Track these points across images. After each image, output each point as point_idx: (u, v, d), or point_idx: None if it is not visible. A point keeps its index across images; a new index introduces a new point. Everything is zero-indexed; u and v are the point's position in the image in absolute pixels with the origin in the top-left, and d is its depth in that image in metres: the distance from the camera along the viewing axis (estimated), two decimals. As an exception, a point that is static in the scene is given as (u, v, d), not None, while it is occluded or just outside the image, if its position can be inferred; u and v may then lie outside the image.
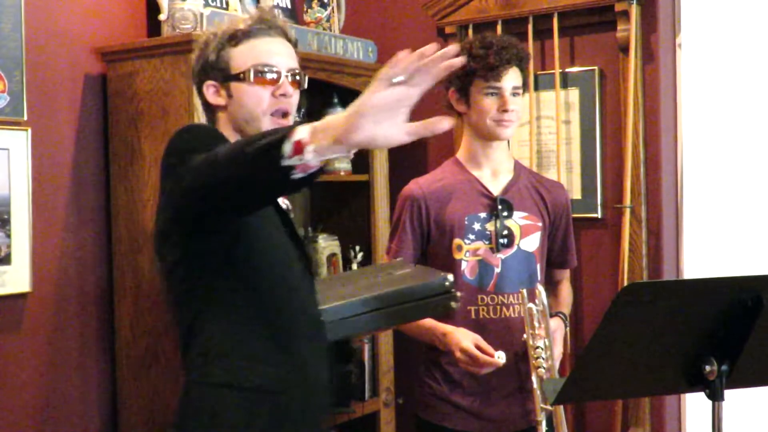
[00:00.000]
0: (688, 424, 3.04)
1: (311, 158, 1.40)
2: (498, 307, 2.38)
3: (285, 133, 1.40)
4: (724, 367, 1.67)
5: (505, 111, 2.37)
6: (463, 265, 2.39)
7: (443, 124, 1.35)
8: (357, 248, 3.29)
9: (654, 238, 2.98)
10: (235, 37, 1.87)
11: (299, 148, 1.39)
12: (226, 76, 1.87)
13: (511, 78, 2.39)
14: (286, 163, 1.40)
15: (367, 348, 3.23)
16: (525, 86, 2.47)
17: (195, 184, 1.62)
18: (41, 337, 2.65)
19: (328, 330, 1.89)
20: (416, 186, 2.48)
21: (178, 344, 1.88)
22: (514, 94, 2.39)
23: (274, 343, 1.80)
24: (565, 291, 2.62)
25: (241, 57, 1.86)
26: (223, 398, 1.76)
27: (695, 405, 2.98)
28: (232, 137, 1.88)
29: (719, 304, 1.65)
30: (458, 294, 2.07)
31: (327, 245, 3.21)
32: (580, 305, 3.06)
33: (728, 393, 1.70)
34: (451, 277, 2.07)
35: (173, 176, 1.72)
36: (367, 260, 3.29)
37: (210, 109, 1.92)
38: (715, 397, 1.69)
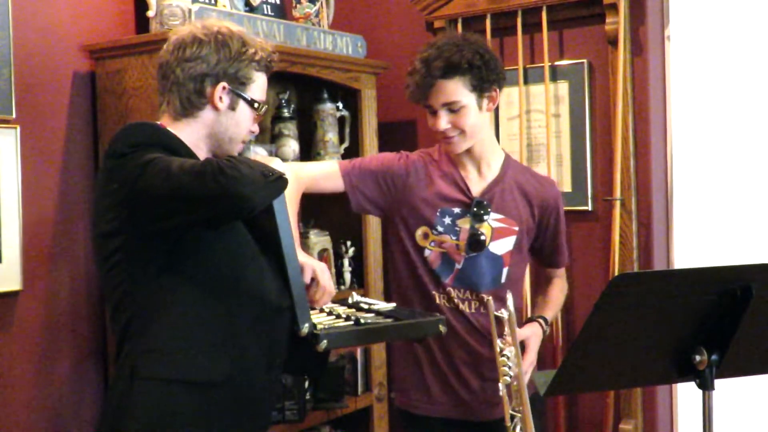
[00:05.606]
0: (679, 414, 3.05)
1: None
2: (453, 300, 2.34)
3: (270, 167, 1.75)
4: (714, 357, 1.69)
5: (438, 131, 2.30)
6: (426, 252, 2.35)
7: None
8: (348, 243, 3.29)
9: (644, 229, 2.99)
10: (260, 63, 1.95)
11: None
12: (239, 93, 1.92)
13: (440, 93, 2.24)
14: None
15: (359, 343, 3.24)
16: (480, 89, 2.27)
17: (211, 192, 1.66)
18: (33, 335, 2.65)
19: (328, 339, 1.88)
20: (418, 156, 2.41)
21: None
22: (452, 110, 2.26)
23: (217, 334, 1.83)
24: (556, 290, 2.52)
25: (257, 85, 1.97)
26: (175, 394, 1.79)
27: (687, 395, 3.00)
28: (192, 140, 1.91)
29: (709, 294, 1.66)
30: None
31: (318, 241, 3.20)
32: (572, 297, 3.06)
33: (718, 382, 1.71)
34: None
35: (141, 175, 1.73)
36: (358, 256, 3.29)
37: (201, 103, 1.91)
38: (706, 386, 1.71)
